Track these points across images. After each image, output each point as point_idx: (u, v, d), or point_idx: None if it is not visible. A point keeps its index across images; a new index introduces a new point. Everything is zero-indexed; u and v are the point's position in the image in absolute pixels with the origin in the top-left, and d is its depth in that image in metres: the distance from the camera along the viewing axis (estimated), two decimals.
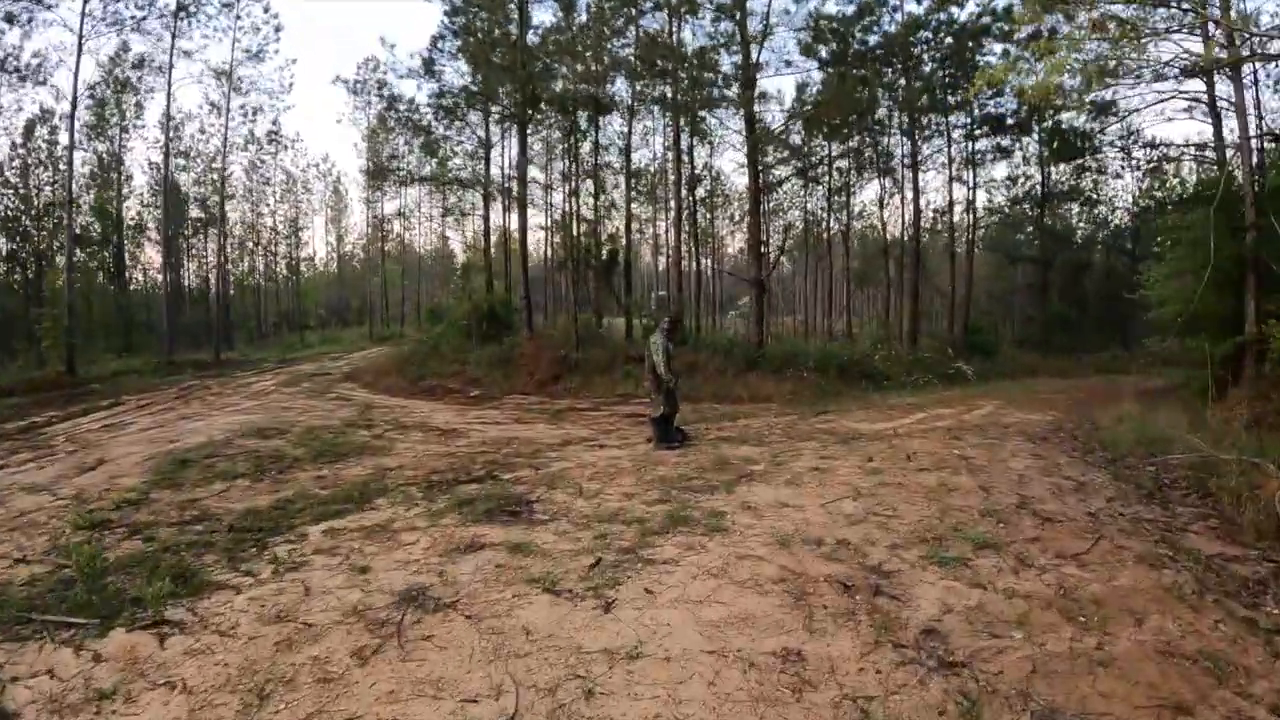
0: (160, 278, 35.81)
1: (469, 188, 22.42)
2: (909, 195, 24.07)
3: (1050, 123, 23.85)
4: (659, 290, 34.79)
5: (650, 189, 34.44)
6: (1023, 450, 7.22)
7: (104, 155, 28.12)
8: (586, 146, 20.19)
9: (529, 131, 18.61)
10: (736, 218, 40.98)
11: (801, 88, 22.16)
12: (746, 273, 15.82)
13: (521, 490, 5.73)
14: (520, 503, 5.29)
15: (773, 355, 14.86)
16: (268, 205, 37.27)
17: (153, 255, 34.47)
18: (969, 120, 23.81)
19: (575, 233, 17.39)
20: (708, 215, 33.89)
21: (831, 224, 29.79)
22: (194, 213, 34.43)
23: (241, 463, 7.13)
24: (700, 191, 26.41)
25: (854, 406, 11.21)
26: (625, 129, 20.92)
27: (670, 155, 22.04)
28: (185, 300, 33.65)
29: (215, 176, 27.28)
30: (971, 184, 25.62)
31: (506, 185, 20.44)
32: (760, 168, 15.44)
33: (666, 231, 27.99)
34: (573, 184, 17.07)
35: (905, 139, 22.83)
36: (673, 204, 21.79)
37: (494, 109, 18.00)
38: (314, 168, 47.12)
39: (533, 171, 29.77)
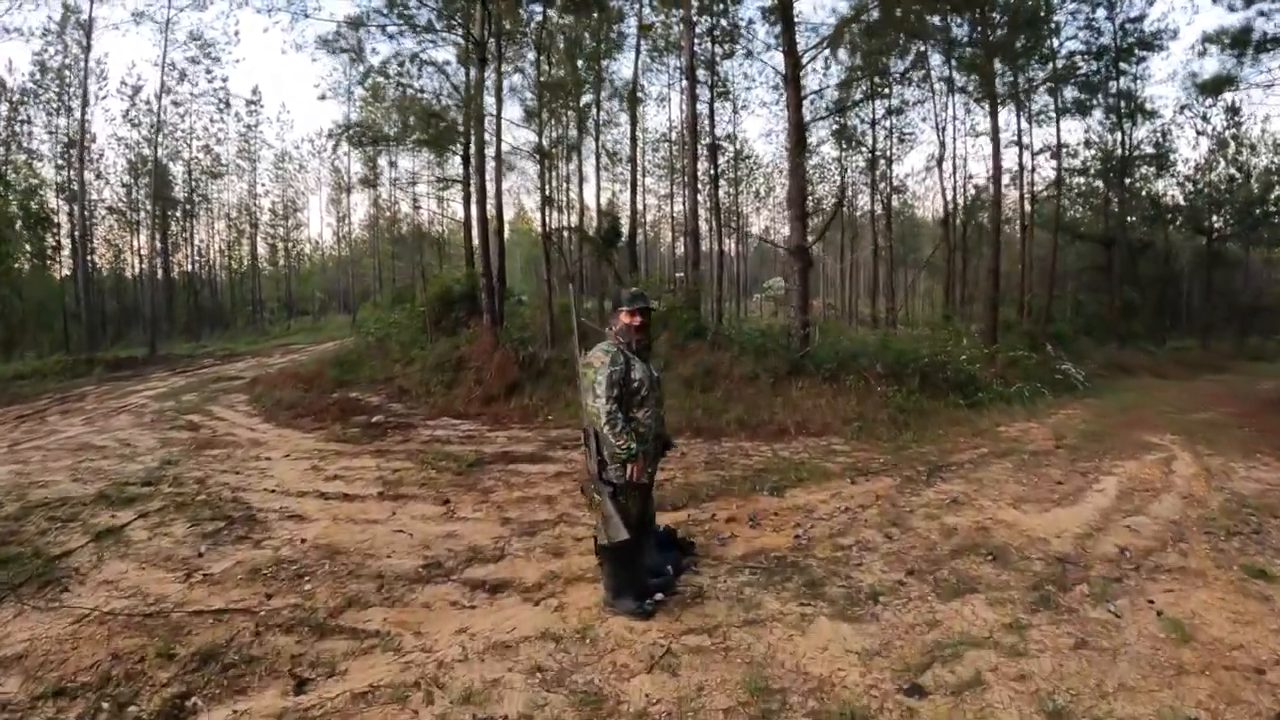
0: (134, 264, 32.84)
1: (445, 146, 18.49)
2: (985, 148, 19.78)
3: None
4: (677, 271, 30.52)
5: (669, 162, 30.09)
6: None
7: (70, 132, 25.13)
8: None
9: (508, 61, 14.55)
10: (761, 193, 36.44)
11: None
12: (786, 242, 11.58)
13: None
14: None
15: (823, 356, 10.60)
16: (260, 184, 34.05)
17: (141, 241, 31.43)
18: (1047, 63, 19.32)
19: (545, 183, 13.28)
20: (730, 191, 29.69)
21: (875, 206, 25.75)
22: (178, 194, 31.57)
23: None
24: (721, 162, 22.32)
25: (967, 447, 7.00)
26: (631, 69, 16.81)
27: (685, 108, 17.79)
28: (173, 289, 30.49)
29: (144, 129, 23.74)
30: (1057, 143, 21.10)
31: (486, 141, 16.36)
32: (804, 94, 11.11)
33: (685, 204, 23.68)
34: (536, 106, 12.91)
35: (978, 76, 18.24)
36: (686, 165, 17.66)
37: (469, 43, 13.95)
38: (308, 143, 43.74)
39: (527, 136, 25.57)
